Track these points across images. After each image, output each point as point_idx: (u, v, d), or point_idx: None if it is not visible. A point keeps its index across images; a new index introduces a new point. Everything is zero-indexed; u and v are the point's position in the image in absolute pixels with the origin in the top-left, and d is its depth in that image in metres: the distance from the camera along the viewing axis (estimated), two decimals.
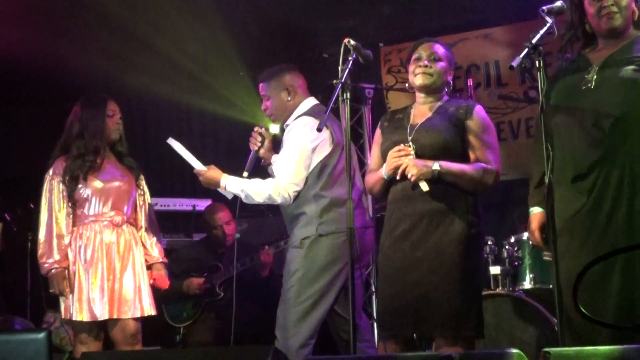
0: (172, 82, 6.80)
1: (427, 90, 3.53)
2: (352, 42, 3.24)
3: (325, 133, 3.86)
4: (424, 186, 3.34)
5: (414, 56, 3.55)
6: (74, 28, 5.97)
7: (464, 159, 3.42)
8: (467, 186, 3.38)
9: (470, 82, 5.64)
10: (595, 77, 3.12)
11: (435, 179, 3.34)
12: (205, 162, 4.10)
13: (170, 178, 6.80)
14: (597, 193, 3.05)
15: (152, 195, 4.46)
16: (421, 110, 3.55)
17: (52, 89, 6.45)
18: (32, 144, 6.52)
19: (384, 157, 3.50)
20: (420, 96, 3.58)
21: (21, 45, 5.88)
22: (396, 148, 3.40)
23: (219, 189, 4.00)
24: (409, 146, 3.40)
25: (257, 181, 3.92)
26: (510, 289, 4.61)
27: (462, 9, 5.99)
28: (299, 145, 3.87)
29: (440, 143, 3.39)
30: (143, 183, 4.37)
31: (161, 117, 7.13)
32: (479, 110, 3.47)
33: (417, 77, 3.51)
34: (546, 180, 2.89)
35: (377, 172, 3.53)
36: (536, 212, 3.31)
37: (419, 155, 3.38)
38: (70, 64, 6.18)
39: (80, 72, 6.21)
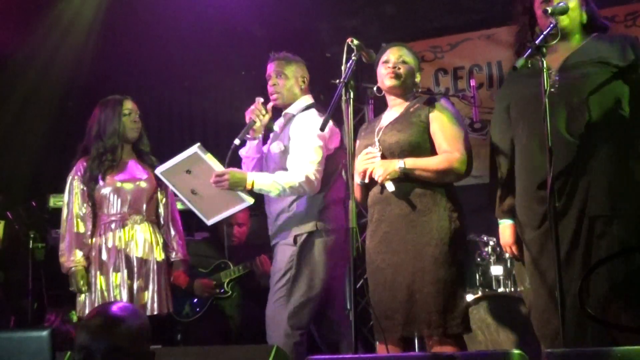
0: (173, 81, 6.81)
1: (397, 91, 3.60)
2: (355, 41, 3.24)
3: (336, 129, 3.91)
4: (390, 186, 3.37)
5: (382, 59, 3.62)
6: (74, 29, 5.98)
7: (434, 154, 3.45)
8: (437, 179, 3.40)
9: (472, 83, 5.65)
10: (557, 80, 3.11)
11: (402, 177, 3.37)
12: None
13: None
14: (563, 202, 3.03)
15: None
16: (391, 113, 3.62)
17: (54, 89, 6.45)
18: (34, 142, 6.54)
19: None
20: (390, 99, 3.66)
21: (24, 42, 5.89)
22: (363, 152, 3.46)
23: (240, 192, 3.78)
24: (376, 147, 3.46)
25: (282, 173, 3.82)
26: (512, 289, 4.62)
27: (464, 9, 5.99)
28: (317, 133, 3.81)
29: (406, 140, 3.43)
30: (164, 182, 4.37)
31: (162, 117, 7.12)
32: (442, 102, 3.52)
33: (385, 79, 3.58)
34: (549, 181, 2.88)
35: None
36: (507, 224, 3.31)
37: (386, 155, 3.43)
38: (71, 64, 6.20)
39: (81, 72, 6.22)
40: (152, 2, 5.85)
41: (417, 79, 3.64)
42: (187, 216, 6.15)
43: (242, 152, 4.11)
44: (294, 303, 3.83)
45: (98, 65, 6.37)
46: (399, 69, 3.56)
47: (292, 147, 3.89)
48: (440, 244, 3.35)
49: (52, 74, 6.27)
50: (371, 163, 3.41)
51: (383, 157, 3.44)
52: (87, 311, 4.05)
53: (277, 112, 4.16)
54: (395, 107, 3.62)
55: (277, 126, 4.10)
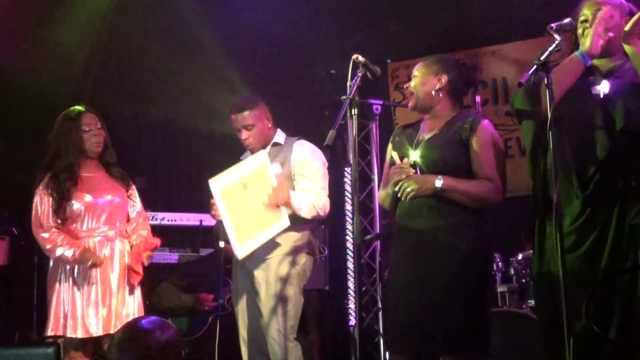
0: (180, 100, 6.83)
1: (418, 109, 3.54)
2: (360, 58, 3.24)
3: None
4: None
5: None
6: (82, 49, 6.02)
7: (471, 175, 3.37)
8: (470, 203, 3.33)
9: (478, 99, 5.65)
10: (603, 85, 3.11)
11: (438, 195, 3.32)
12: (205, 179, 4.05)
13: (177, 193, 6.82)
14: (594, 201, 3.03)
15: (159, 210, 4.44)
16: (429, 126, 3.52)
17: (62, 105, 6.47)
18: (40, 158, 6.55)
19: None
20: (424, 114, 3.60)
21: (31, 59, 5.92)
22: (397, 165, 3.39)
23: (283, 209, 3.84)
24: (412, 163, 3.39)
25: (312, 194, 3.93)
26: (518, 306, 4.60)
27: (469, 26, 6.00)
28: (322, 161, 4.04)
29: (445, 159, 3.36)
30: (134, 192, 4.26)
31: (169, 134, 7.15)
32: (484, 125, 3.39)
33: None
34: (554, 197, 2.87)
35: (386, 187, 3.53)
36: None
37: (424, 171, 3.37)
38: (79, 82, 6.22)
39: (89, 90, 6.25)
40: (155, 18, 5.88)
41: (438, 84, 3.47)
42: (192, 233, 6.21)
43: None
44: (297, 316, 3.92)
45: (100, 79, 6.39)
46: (407, 87, 3.54)
47: (305, 173, 3.98)
48: (466, 264, 3.28)
49: (57, 89, 6.29)
50: (405, 176, 3.34)
51: (422, 171, 3.38)
52: (68, 330, 3.89)
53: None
54: (433, 120, 3.52)
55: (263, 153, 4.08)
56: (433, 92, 3.47)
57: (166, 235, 6.23)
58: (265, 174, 3.80)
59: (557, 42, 3.02)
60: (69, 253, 3.91)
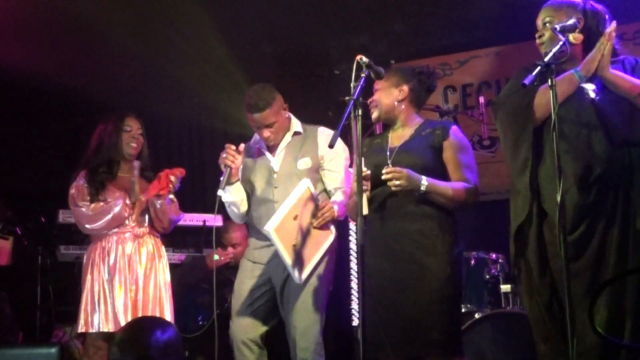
0: (183, 99, 6.83)
1: (382, 120, 3.65)
2: (364, 58, 3.24)
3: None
4: (364, 209, 3.25)
5: None
6: (85, 47, 6.02)
7: (444, 179, 3.45)
8: (450, 204, 3.40)
9: (481, 100, 5.65)
10: (591, 88, 3.11)
11: (420, 195, 3.35)
12: (214, 179, 4.04)
13: (180, 193, 6.80)
14: (594, 207, 3.03)
15: None
16: (398, 134, 3.61)
17: (64, 105, 6.49)
18: (44, 158, 6.57)
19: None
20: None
21: (35, 60, 5.94)
22: (390, 169, 3.36)
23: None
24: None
25: (343, 195, 3.91)
26: (521, 307, 4.59)
27: (473, 26, 5.99)
28: (347, 153, 4.01)
29: (420, 164, 3.41)
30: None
31: (172, 133, 7.15)
32: (454, 130, 3.52)
33: None
34: (558, 199, 2.86)
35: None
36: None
37: None
38: (82, 81, 6.23)
39: (92, 89, 6.25)
40: (161, 18, 5.88)
41: (400, 94, 3.58)
42: (197, 233, 6.20)
43: (226, 198, 4.03)
44: (323, 318, 3.86)
45: (108, 82, 6.40)
46: (372, 101, 3.62)
47: (334, 168, 3.97)
48: (445, 266, 3.35)
49: (63, 92, 6.30)
50: (396, 171, 3.32)
51: None
52: (101, 325, 3.99)
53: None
54: (401, 129, 3.62)
55: (283, 144, 4.06)
56: (396, 103, 3.59)
57: (169, 235, 6.22)
58: (309, 198, 3.77)
59: (561, 43, 3.02)
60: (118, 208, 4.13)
